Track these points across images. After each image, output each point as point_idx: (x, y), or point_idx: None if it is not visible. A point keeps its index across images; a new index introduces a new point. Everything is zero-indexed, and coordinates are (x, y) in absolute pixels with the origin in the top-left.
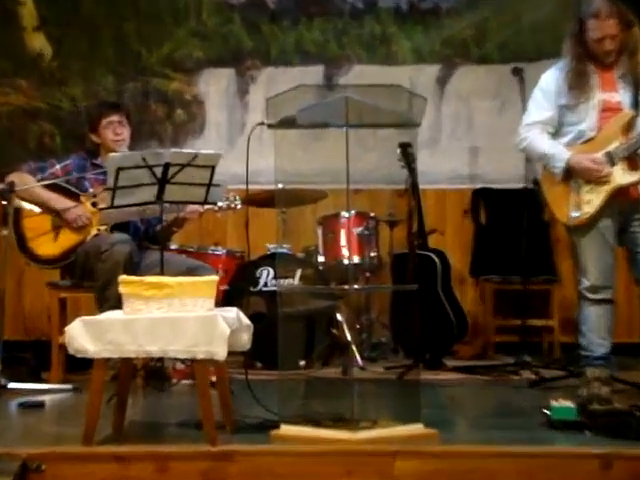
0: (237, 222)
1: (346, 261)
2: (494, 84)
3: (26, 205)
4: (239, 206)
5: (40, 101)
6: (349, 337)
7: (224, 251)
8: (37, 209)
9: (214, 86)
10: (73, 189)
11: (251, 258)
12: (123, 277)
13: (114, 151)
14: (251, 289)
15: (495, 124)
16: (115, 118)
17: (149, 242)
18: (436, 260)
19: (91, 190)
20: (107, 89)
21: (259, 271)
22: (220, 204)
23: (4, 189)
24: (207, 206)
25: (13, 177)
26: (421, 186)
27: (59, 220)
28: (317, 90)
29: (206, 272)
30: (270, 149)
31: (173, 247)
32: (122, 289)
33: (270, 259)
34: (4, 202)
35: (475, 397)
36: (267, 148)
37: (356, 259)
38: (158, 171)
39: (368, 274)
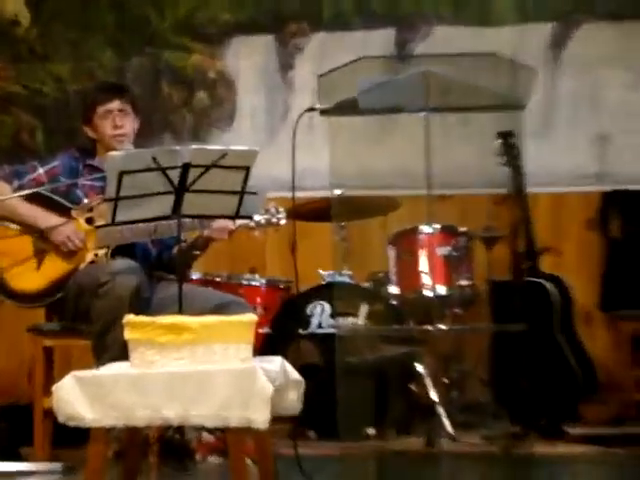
0: (280, 242)
1: (428, 293)
2: (629, 48)
3: None
4: (283, 221)
5: (15, 84)
6: (434, 396)
7: (263, 281)
8: (13, 227)
9: (247, 60)
10: (61, 200)
11: (300, 290)
12: (129, 318)
13: (114, 149)
14: (300, 331)
15: (631, 103)
16: (115, 105)
17: (163, 271)
18: (552, 290)
19: (85, 201)
20: (104, 66)
21: (311, 307)
22: (257, 218)
23: None
24: (240, 221)
25: None
26: (530, 190)
27: (43, 243)
28: (385, 63)
29: (240, 309)
30: (323, 143)
31: (195, 277)
32: (128, 334)
33: (325, 291)
34: None
35: (609, 478)
36: (319, 142)
37: (442, 290)
38: (174, 175)
39: (458, 310)
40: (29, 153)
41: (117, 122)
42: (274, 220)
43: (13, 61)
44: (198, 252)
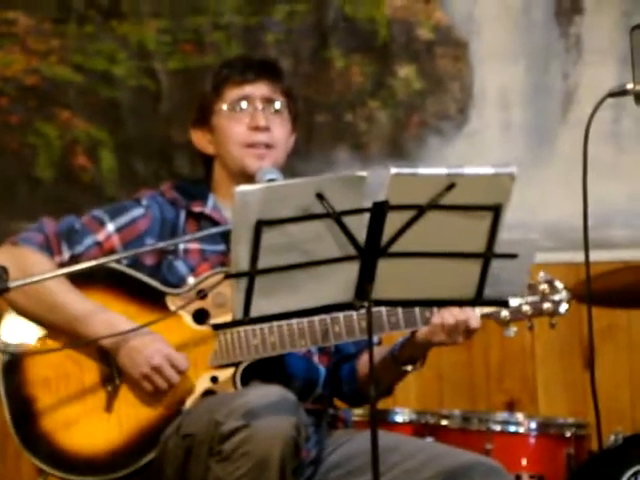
0: (562, 348)
1: None
2: None
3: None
4: (563, 307)
5: (62, 62)
6: None
7: (533, 424)
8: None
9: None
10: (147, 280)
11: (605, 442)
12: None
13: (247, 172)
14: None
15: None
16: (259, 92)
17: (340, 405)
18: None
19: (191, 280)
20: (226, 25)
21: (629, 476)
22: (516, 303)
23: None
24: (486, 309)
25: (4, 250)
26: None
27: (115, 367)
28: None
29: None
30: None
31: (402, 418)
32: None
33: None
34: None
35: None
36: (632, 159)
37: None
38: (357, 226)
39: None
40: (88, 193)
41: (259, 121)
42: (547, 306)
43: (56, 22)
44: (408, 368)
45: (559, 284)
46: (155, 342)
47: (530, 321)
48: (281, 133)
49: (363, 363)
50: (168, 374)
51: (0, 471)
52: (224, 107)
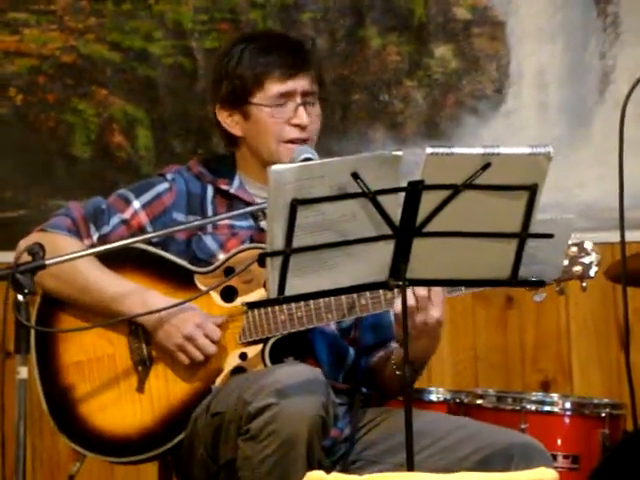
0: (596, 323)
1: None
2: None
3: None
4: (593, 269)
5: (98, 40)
6: None
7: (568, 404)
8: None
9: None
10: (175, 259)
11: None
12: (313, 475)
13: (280, 160)
14: None
15: None
16: (300, 86)
17: (373, 385)
18: None
19: (221, 257)
20: (260, 3)
21: None
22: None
23: (20, 266)
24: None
25: (30, 241)
26: None
27: (144, 345)
28: None
29: (528, 459)
30: None
31: (437, 397)
32: None
33: None
34: (20, 296)
35: None
36: None
37: None
38: (392, 204)
39: None
40: (124, 171)
41: (303, 118)
42: (577, 269)
43: (94, 0)
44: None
45: (589, 245)
46: (187, 312)
47: (559, 285)
48: (316, 126)
49: (377, 360)
50: (201, 342)
51: (38, 447)
52: (265, 101)
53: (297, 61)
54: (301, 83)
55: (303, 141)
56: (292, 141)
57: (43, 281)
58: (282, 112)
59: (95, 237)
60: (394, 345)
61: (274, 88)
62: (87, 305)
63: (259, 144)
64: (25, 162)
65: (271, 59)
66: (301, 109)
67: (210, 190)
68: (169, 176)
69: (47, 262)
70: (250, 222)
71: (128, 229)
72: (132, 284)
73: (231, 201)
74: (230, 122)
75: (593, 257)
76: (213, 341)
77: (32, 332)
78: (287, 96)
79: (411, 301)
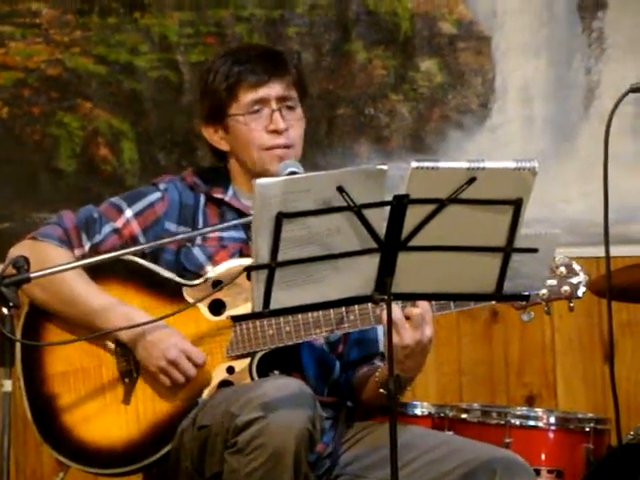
0: (581, 340)
1: None
2: None
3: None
4: (581, 290)
5: (85, 54)
6: None
7: (552, 419)
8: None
9: None
10: (163, 272)
11: (624, 436)
12: None
13: (266, 171)
14: None
15: None
16: (274, 92)
17: (357, 399)
18: None
19: (210, 270)
20: (249, 16)
21: None
22: (542, 291)
23: (5, 279)
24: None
25: (21, 249)
26: None
27: (132, 358)
28: None
29: (511, 474)
30: None
31: (420, 411)
32: None
33: None
34: (5, 309)
35: None
36: None
37: None
38: (377, 218)
39: None
40: (109, 184)
41: (279, 124)
42: (565, 289)
43: (79, 13)
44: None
45: (577, 266)
46: (172, 336)
47: (547, 305)
48: (298, 131)
49: (360, 376)
50: (185, 367)
51: (21, 461)
52: (239, 111)
53: (268, 67)
54: (275, 89)
55: (284, 147)
56: (272, 148)
57: (31, 291)
58: (258, 120)
59: (87, 246)
60: (378, 363)
61: (247, 96)
62: (70, 316)
63: (243, 155)
64: (10, 175)
65: (243, 68)
66: (276, 115)
67: (202, 199)
68: (162, 186)
69: (32, 275)
70: (241, 233)
71: (120, 238)
72: (116, 299)
73: (223, 210)
74: (216, 138)
75: (581, 277)
76: (197, 365)
77: (17, 344)
78: (261, 103)
79: (404, 320)
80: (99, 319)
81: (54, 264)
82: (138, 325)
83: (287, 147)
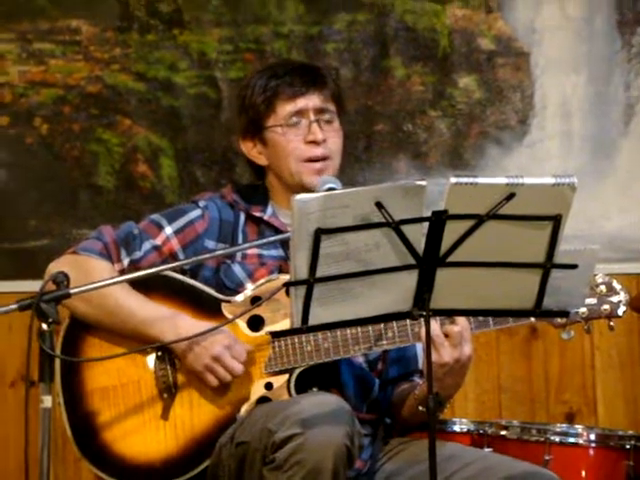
0: (621, 358)
1: None
2: None
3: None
4: (621, 309)
5: (123, 70)
6: None
7: (592, 436)
8: (116, 347)
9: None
10: (204, 288)
11: None
12: None
13: (305, 186)
14: None
15: None
16: (312, 103)
17: (396, 417)
18: None
19: (250, 287)
20: (286, 32)
21: None
22: (582, 310)
23: (45, 295)
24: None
25: (61, 263)
26: None
27: (171, 372)
28: None
29: None
30: None
31: (460, 427)
32: None
33: None
34: (44, 325)
35: None
36: None
37: None
38: (416, 234)
39: None
40: (148, 201)
41: (317, 134)
42: (605, 307)
43: (119, 30)
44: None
45: (617, 285)
46: (217, 334)
47: (587, 324)
48: (336, 143)
49: (400, 393)
50: (229, 363)
51: (61, 477)
52: (277, 123)
53: (306, 80)
54: (313, 100)
55: (322, 159)
56: (311, 159)
57: (73, 304)
58: (296, 131)
59: (126, 262)
60: (417, 380)
61: (285, 108)
62: (116, 328)
63: (280, 167)
64: (49, 191)
65: (280, 81)
66: (314, 125)
67: (242, 217)
68: (202, 203)
69: (72, 291)
70: (280, 251)
71: (159, 255)
72: (163, 308)
73: (262, 228)
74: (255, 153)
75: (622, 296)
76: (240, 362)
77: (57, 359)
78: (299, 114)
79: (443, 338)
80: (145, 328)
81: (96, 276)
82: (186, 339)
83: (325, 159)
